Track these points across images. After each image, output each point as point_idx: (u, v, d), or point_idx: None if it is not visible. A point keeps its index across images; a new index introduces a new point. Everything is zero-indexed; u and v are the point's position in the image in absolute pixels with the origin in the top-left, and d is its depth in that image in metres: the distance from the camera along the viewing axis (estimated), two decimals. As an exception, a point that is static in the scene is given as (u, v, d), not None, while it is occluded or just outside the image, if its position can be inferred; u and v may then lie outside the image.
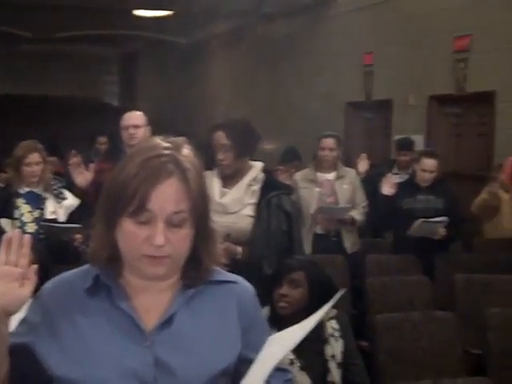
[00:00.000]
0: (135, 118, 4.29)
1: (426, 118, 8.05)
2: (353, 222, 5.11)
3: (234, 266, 1.65)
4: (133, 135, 4.14)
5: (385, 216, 5.10)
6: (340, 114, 9.59)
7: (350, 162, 7.06)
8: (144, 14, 11.81)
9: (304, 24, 10.53)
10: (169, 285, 1.43)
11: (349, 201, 5.14)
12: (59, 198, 4.41)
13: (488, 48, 7.12)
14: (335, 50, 9.66)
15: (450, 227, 4.89)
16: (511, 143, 6.46)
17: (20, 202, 4.32)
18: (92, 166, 4.22)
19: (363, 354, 3.24)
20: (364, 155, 6.45)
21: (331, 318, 2.90)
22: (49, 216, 4.33)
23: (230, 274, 1.52)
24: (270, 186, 3.29)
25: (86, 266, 1.45)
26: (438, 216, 4.87)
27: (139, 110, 4.42)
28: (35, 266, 1.37)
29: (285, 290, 2.82)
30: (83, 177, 4.14)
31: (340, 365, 2.85)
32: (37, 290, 1.42)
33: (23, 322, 1.43)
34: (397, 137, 7.30)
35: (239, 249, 3.14)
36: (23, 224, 4.25)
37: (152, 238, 1.33)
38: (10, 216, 4.26)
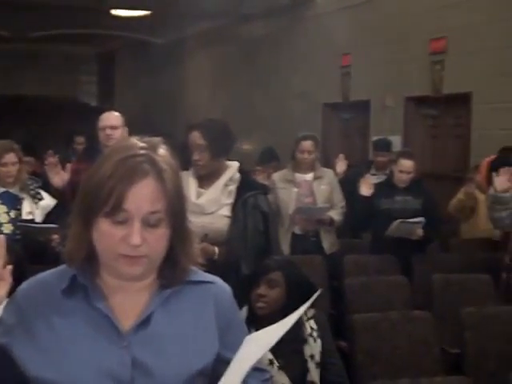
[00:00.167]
0: (112, 118, 4.27)
1: (403, 119, 8.11)
2: (331, 222, 5.12)
3: (212, 267, 1.64)
4: (110, 136, 4.12)
5: (363, 216, 5.12)
6: (318, 114, 9.62)
7: (328, 163, 7.08)
8: (121, 14, 11.76)
9: (282, 25, 10.55)
10: (145, 285, 1.43)
11: (327, 201, 5.15)
12: (36, 198, 4.37)
13: (464, 50, 7.18)
14: (313, 51, 9.69)
15: (427, 228, 4.91)
16: (487, 144, 6.52)
17: (-4, 202, 4.27)
18: (68, 166, 4.19)
19: (342, 353, 3.26)
20: (342, 156, 6.48)
21: (310, 318, 2.90)
22: (25, 216, 4.28)
23: (207, 275, 1.52)
24: (246, 185, 3.29)
25: (62, 267, 1.44)
26: (416, 216, 4.90)
27: (117, 110, 4.40)
28: (10, 267, 1.35)
29: (262, 290, 2.82)
30: (59, 177, 4.10)
31: (319, 365, 2.86)
32: (13, 290, 1.41)
33: (-2, 323, 1.42)
34: (374, 138, 7.33)
35: (216, 249, 3.14)
36: None
37: (128, 238, 1.32)
38: (-15, 217, 4.21)
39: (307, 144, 5.15)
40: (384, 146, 6.37)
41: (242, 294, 2.73)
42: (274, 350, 2.70)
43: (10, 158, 4.30)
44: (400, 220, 4.84)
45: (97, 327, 1.38)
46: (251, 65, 11.36)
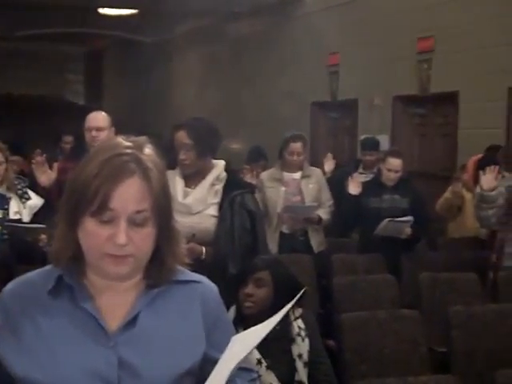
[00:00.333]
0: (98, 119, 4.25)
1: (390, 118, 8.13)
2: (319, 221, 5.12)
3: (199, 267, 1.64)
4: (95, 138, 4.11)
5: (351, 215, 5.13)
6: (306, 113, 9.63)
7: (316, 162, 7.09)
8: (109, 13, 11.72)
9: (270, 24, 10.56)
10: (132, 285, 1.42)
11: (314, 200, 5.15)
12: (23, 198, 4.34)
13: (451, 49, 7.22)
14: (301, 50, 9.70)
15: (415, 227, 4.93)
16: (474, 143, 6.55)
17: (-17, 202, 4.24)
18: (55, 165, 4.17)
19: (330, 352, 3.26)
20: (330, 155, 6.49)
21: (297, 318, 2.90)
22: (13, 216, 4.26)
23: (193, 274, 1.51)
24: (232, 185, 3.28)
25: (48, 267, 1.43)
26: (404, 215, 4.92)
27: (105, 109, 4.39)
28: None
29: (250, 289, 2.82)
30: (46, 176, 4.08)
31: (307, 364, 2.86)
32: (-1, 290, 1.40)
33: (-16, 323, 1.41)
34: (362, 137, 7.35)
35: (204, 249, 3.13)
36: (-13, 225, 4.18)
37: (114, 237, 1.32)
38: (-27, 217, 4.19)
39: (297, 146, 5.14)
40: (372, 145, 6.39)
41: (230, 293, 2.73)
42: (262, 349, 2.71)
43: (-4, 157, 4.27)
44: (388, 219, 4.86)
45: (83, 327, 1.37)
46: (239, 64, 11.36)
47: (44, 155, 4.27)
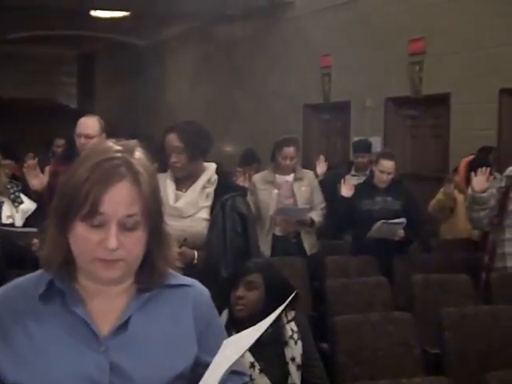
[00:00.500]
0: (88, 127, 4.23)
1: (383, 120, 8.14)
2: (312, 223, 5.13)
3: (191, 270, 1.64)
4: (84, 145, 4.07)
5: (343, 217, 5.13)
6: (298, 115, 9.64)
7: (309, 164, 7.10)
8: (102, 15, 11.70)
9: (262, 26, 10.57)
10: (123, 289, 1.42)
11: (307, 202, 5.16)
12: (16, 202, 4.33)
13: (442, 51, 7.24)
14: (293, 52, 9.71)
15: (407, 228, 4.94)
16: (466, 144, 6.57)
17: (-25, 206, 4.23)
18: (47, 168, 4.15)
19: (324, 355, 3.26)
20: (322, 157, 6.50)
21: (290, 321, 2.90)
22: (5, 220, 4.25)
23: (185, 278, 1.51)
24: (224, 188, 3.28)
25: (39, 271, 1.43)
26: (396, 217, 4.93)
27: (97, 112, 4.38)
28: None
29: (241, 292, 2.81)
30: (38, 180, 4.07)
31: (300, 367, 2.86)
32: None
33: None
34: (354, 139, 7.36)
35: (196, 253, 3.12)
36: (-21, 229, 4.17)
37: (105, 242, 1.32)
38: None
39: (290, 150, 5.15)
40: (364, 147, 6.40)
41: (222, 297, 2.73)
42: (256, 352, 2.71)
43: (-12, 161, 4.27)
44: (382, 221, 4.87)
45: (74, 332, 1.37)
46: (231, 66, 11.36)
47: (36, 159, 4.25)
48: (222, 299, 2.71)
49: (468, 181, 5.00)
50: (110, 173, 1.32)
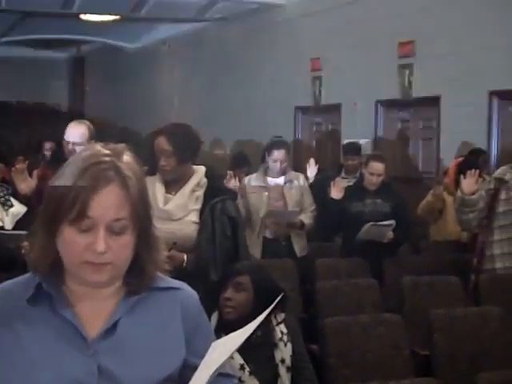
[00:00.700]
0: (76, 134, 4.21)
1: (373, 123, 8.16)
2: (302, 226, 5.14)
3: (180, 274, 1.65)
4: (71, 152, 4.06)
5: (334, 220, 5.14)
6: (289, 118, 9.65)
7: (299, 166, 7.11)
8: (92, 19, 11.68)
9: (253, 29, 10.57)
10: (112, 292, 1.42)
11: (297, 205, 5.17)
12: (5, 205, 4.31)
13: (432, 54, 7.27)
14: (284, 55, 9.73)
15: (397, 230, 4.96)
16: (456, 147, 6.59)
17: (-36, 209, 4.22)
18: (35, 172, 4.14)
19: (314, 357, 3.27)
20: (312, 160, 6.51)
21: (280, 323, 2.91)
22: (-5, 224, 4.23)
23: (173, 281, 1.51)
24: (213, 191, 3.28)
25: (27, 275, 1.43)
26: (386, 219, 4.94)
27: (87, 116, 4.37)
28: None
29: (229, 293, 2.82)
30: (26, 184, 4.05)
31: (289, 369, 2.87)
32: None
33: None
34: (345, 141, 7.38)
35: (185, 256, 3.12)
36: (-31, 232, 4.15)
37: (93, 245, 1.32)
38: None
39: (280, 154, 5.16)
40: (354, 149, 6.42)
41: (211, 300, 2.73)
42: (245, 355, 2.72)
43: (-22, 164, 4.25)
44: (371, 223, 4.88)
45: (63, 336, 1.37)
46: (222, 70, 11.36)
47: (26, 162, 4.24)
48: (211, 302, 2.72)
49: (457, 183, 5.03)
50: (98, 177, 1.32)
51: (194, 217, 3.23)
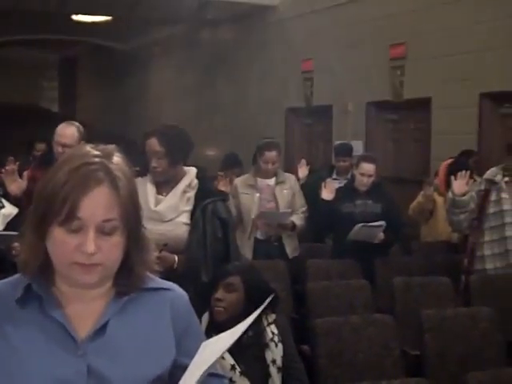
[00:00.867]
0: (65, 136, 4.20)
1: (364, 124, 8.18)
2: (293, 227, 5.15)
3: (171, 275, 1.65)
4: (61, 154, 4.05)
5: (324, 221, 5.15)
6: (281, 119, 9.66)
7: (291, 167, 7.12)
8: (83, 19, 11.67)
9: (245, 30, 10.59)
10: (101, 293, 1.42)
11: (288, 206, 5.17)
12: (-4, 206, 4.30)
13: (423, 55, 7.30)
14: (275, 56, 9.74)
15: (388, 231, 4.97)
16: (447, 148, 6.62)
17: (-44, 210, 4.20)
18: (25, 173, 4.13)
19: (305, 357, 3.28)
20: (303, 161, 6.51)
21: (270, 323, 2.91)
22: (-15, 225, 4.22)
23: (163, 281, 1.52)
24: (204, 192, 3.28)
25: (17, 276, 1.42)
26: (377, 220, 4.95)
27: (78, 117, 4.36)
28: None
29: (220, 294, 2.83)
30: (16, 185, 4.04)
31: (280, 369, 2.87)
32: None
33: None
34: (336, 142, 7.40)
35: (176, 258, 3.13)
36: (-40, 233, 4.14)
37: (83, 246, 1.32)
38: None
39: (271, 155, 5.16)
40: (345, 150, 6.42)
41: (202, 301, 2.74)
42: (236, 355, 2.72)
43: (-32, 165, 4.24)
44: (361, 224, 4.88)
45: (52, 336, 1.37)
46: (213, 71, 11.37)
47: (17, 163, 4.23)
48: (202, 303, 2.72)
49: (447, 184, 5.05)
50: (88, 177, 1.32)
51: (185, 218, 3.23)
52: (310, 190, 5.57)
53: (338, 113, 8.60)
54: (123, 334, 1.41)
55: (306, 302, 4.40)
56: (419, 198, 5.88)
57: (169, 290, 1.50)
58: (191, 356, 1.38)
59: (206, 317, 2.82)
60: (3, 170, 4.11)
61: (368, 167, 5.13)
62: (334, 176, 6.16)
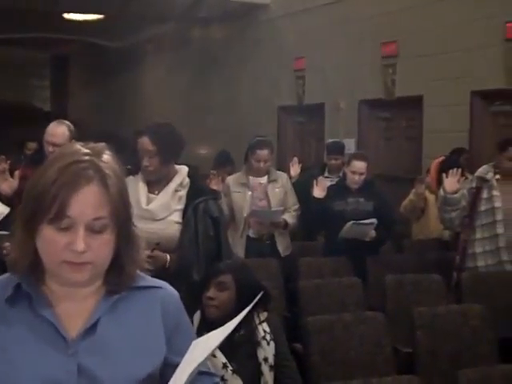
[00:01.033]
0: (56, 135, 4.20)
1: (356, 122, 8.19)
2: (285, 225, 5.15)
3: (163, 273, 1.65)
4: (52, 153, 4.05)
5: (316, 219, 5.16)
6: (273, 117, 9.66)
7: (283, 165, 7.12)
8: (75, 18, 11.63)
9: (237, 29, 10.58)
10: (92, 291, 1.42)
11: (281, 204, 5.17)
12: (-13, 206, 4.28)
13: (415, 53, 7.31)
14: (268, 54, 9.74)
15: (379, 229, 4.97)
16: (438, 146, 6.63)
17: None
18: (17, 172, 4.12)
19: (297, 355, 3.28)
20: (296, 159, 6.52)
21: (262, 322, 2.91)
22: (-24, 224, 4.20)
23: (154, 280, 1.52)
24: (196, 191, 3.28)
25: (6, 275, 1.42)
26: (368, 218, 4.95)
27: (70, 116, 4.35)
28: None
29: (212, 292, 2.83)
30: (7, 184, 4.03)
31: (272, 367, 2.88)
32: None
33: None
34: (328, 140, 7.40)
35: (168, 257, 3.12)
36: (-50, 233, 4.12)
37: (72, 245, 1.32)
38: None
39: (263, 153, 5.15)
40: (337, 148, 6.41)
41: (194, 299, 2.74)
42: (228, 353, 2.72)
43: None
44: (352, 222, 4.89)
45: (42, 335, 1.36)
46: (206, 69, 11.36)
47: (8, 162, 4.22)
48: (194, 301, 2.72)
49: (439, 181, 5.06)
50: (78, 176, 1.32)
51: (177, 217, 3.22)
52: (301, 188, 5.57)
53: (330, 111, 8.60)
54: (114, 332, 1.41)
55: (298, 300, 4.40)
56: (411, 196, 5.89)
57: (159, 288, 1.50)
58: (182, 354, 1.38)
59: (197, 315, 2.82)
60: None
61: (359, 165, 5.13)
62: (326, 174, 6.16)
